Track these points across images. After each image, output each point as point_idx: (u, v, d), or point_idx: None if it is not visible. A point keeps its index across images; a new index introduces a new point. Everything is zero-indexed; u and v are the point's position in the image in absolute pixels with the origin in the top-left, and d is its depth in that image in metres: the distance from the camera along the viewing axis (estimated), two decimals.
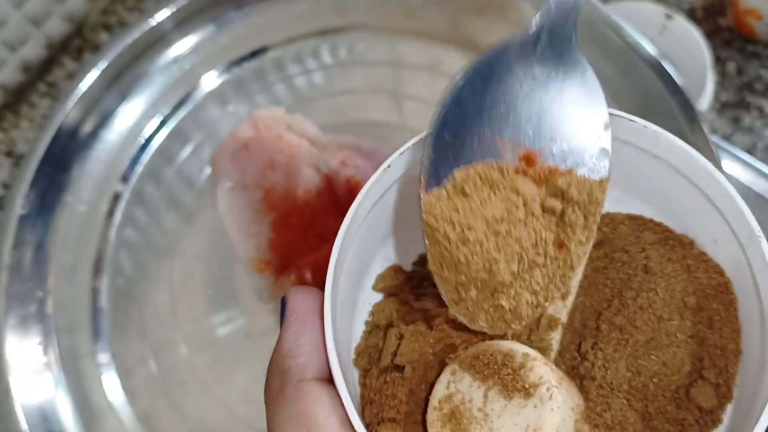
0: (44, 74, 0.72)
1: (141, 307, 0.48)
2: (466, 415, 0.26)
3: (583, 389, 0.28)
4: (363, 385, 0.29)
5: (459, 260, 0.27)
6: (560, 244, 0.27)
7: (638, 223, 0.32)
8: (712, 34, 0.69)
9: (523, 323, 0.27)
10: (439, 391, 0.27)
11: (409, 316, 0.30)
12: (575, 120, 0.28)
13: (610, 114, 0.28)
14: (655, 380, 0.28)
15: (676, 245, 0.30)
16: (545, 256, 0.27)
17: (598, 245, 0.31)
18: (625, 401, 0.28)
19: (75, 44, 0.73)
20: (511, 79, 0.28)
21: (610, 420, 0.27)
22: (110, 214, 0.50)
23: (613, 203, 0.32)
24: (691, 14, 0.70)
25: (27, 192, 0.48)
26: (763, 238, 0.26)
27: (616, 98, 0.46)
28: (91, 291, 0.48)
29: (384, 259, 0.33)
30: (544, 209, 0.27)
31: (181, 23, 0.52)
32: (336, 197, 0.47)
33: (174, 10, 0.50)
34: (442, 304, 0.28)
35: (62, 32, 0.70)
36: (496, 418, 0.26)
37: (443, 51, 0.51)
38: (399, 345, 0.29)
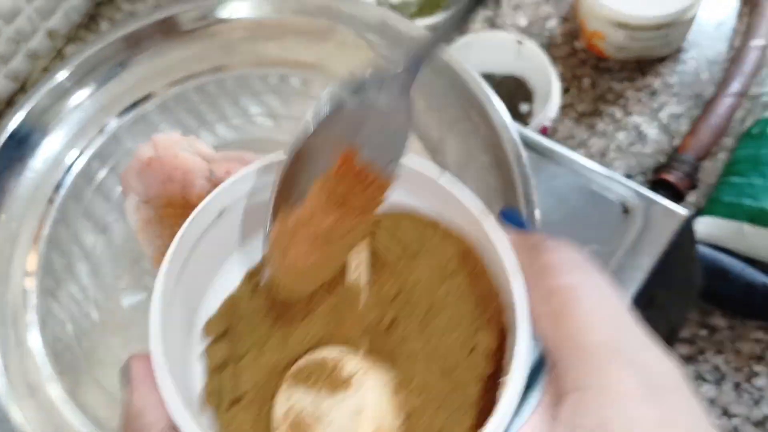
0: None
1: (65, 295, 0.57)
2: (306, 420, 0.32)
3: (394, 365, 0.34)
4: (219, 420, 0.35)
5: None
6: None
7: (396, 217, 0.38)
8: (569, 56, 0.80)
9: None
10: (278, 408, 0.33)
11: (240, 344, 0.37)
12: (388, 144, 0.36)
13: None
14: (443, 340, 0.34)
15: (428, 225, 0.37)
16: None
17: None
18: (425, 364, 0.34)
19: (19, 101, 0.83)
20: (359, 109, 0.35)
21: (418, 384, 0.33)
22: (40, 227, 0.59)
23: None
24: (551, 40, 0.81)
25: None
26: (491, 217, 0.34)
27: (443, 107, 0.57)
28: (22, 292, 0.57)
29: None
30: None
31: (97, 65, 0.62)
32: None
33: (88, 54, 0.61)
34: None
35: (7, 90, 0.80)
36: (328, 413, 0.32)
37: (312, 77, 0.62)
38: (235, 381, 0.35)
